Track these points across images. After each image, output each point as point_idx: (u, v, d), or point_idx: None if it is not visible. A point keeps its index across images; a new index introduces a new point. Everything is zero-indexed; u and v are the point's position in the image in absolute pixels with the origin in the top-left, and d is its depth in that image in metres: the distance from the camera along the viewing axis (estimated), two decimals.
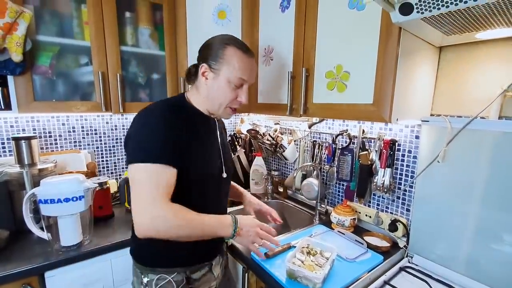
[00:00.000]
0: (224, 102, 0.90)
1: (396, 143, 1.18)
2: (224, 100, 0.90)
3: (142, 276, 0.90)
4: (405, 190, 1.19)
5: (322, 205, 1.51)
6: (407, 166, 1.17)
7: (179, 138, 0.82)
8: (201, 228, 0.81)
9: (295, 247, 1.09)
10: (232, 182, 1.19)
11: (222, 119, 1.13)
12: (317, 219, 1.44)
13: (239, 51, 0.87)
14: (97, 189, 1.19)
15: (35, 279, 1.01)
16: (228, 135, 1.57)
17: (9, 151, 1.40)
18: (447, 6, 0.63)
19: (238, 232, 0.85)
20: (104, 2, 1.27)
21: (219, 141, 1.00)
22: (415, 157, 1.14)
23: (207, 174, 0.92)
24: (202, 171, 0.90)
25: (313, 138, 1.60)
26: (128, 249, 0.96)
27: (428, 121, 1.03)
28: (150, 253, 0.91)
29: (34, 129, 1.46)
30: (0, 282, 0.94)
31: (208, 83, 0.89)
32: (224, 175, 0.98)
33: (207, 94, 0.90)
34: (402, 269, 1.04)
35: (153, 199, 0.75)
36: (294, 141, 1.71)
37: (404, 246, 1.15)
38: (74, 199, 1.05)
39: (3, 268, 0.96)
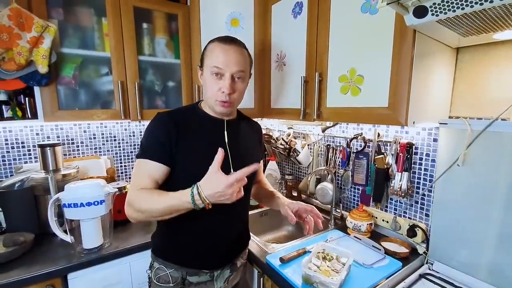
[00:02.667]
0: (212, 95, 0.90)
1: (413, 146, 1.16)
2: (211, 93, 0.90)
3: (152, 261, 1.00)
4: (423, 195, 1.16)
5: (337, 210, 1.49)
6: (425, 169, 1.15)
7: (171, 140, 0.87)
8: (161, 210, 0.80)
9: (310, 252, 1.08)
10: (268, 189, 1.17)
11: (258, 124, 1.16)
12: (332, 224, 1.42)
13: (216, 43, 0.90)
14: (117, 193, 1.23)
15: (58, 281, 1.05)
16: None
17: (35, 157, 1.48)
18: (463, 8, 0.63)
19: (207, 206, 0.76)
20: (123, 14, 1.33)
21: (228, 143, 0.96)
22: (433, 160, 1.11)
23: (203, 173, 0.87)
24: (196, 170, 0.86)
25: (327, 142, 1.59)
26: (145, 252, 0.99)
27: (446, 123, 1.01)
28: (156, 243, 1.01)
29: (58, 137, 1.53)
30: (26, 284, 0.98)
31: (202, 83, 0.95)
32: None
33: (204, 93, 0.96)
34: (422, 276, 1.01)
35: (130, 189, 0.87)
36: (308, 145, 1.71)
37: (424, 252, 1.11)
38: (96, 203, 1.09)
39: (28, 270, 1.01)
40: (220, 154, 0.75)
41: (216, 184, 0.73)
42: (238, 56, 0.89)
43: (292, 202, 1.05)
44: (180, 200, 0.78)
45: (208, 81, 0.90)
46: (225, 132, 0.96)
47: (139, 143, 1.76)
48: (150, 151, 0.88)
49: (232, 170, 0.94)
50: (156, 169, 0.87)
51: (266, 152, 1.98)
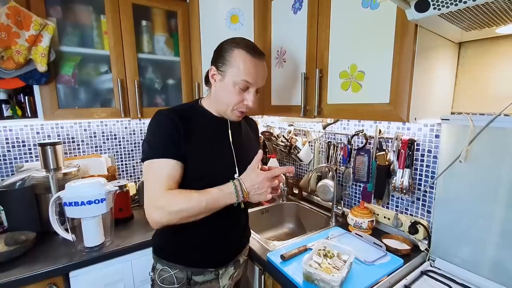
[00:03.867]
0: (230, 104, 0.90)
1: (415, 143, 1.15)
2: (230, 102, 0.89)
3: (154, 263, 0.98)
4: (425, 191, 1.16)
5: (338, 207, 1.49)
6: (427, 166, 1.14)
7: (180, 136, 0.85)
8: (204, 206, 0.81)
9: (311, 249, 1.08)
10: None
11: (255, 121, 1.17)
12: (333, 221, 1.42)
13: (245, 53, 0.86)
14: (118, 192, 1.23)
15: (60, 279, 1.06)
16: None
17: (36, 156, 1.48)
18: (465, 2, 0.61)
19: (245, 197, 0.82)
20: (122, 12, 1.32)
21: (232, 141, 0.97)
22: (435, 157, 1.10)
23: (210, 172, 0.90)
24: (204, 169, 0.89)
25: (328, 139, 1.59)
26: (147, 250, 0.99)
27: (448, 119, 1.00)
28: (158, 244, 0.99)
29: (59, 135, 1.53)
30: (28, 282, 0.98)
31: (216, 85, 0.91)
32: (236, 175, 0.94)
33: (215, 95, 0.92)
34: (423, 273, 1.01)
35: (153, 193, 0.82)
36: (309, 142, 1.70)
37: (426, 249, 1.11)
38: (97, 201, 1.09)
39: (30, 268, 1.01)
40: (260, 154, 0.85)
41: (256, 177, 0.82)
42: (265, 71, 0.91)
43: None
44: (222, 191, 0.82)
45: (229, 90, 0.88)
46: (229, 132, 0.97)
47: (140, 142, 1.77)
48: (163, 149, 0.83)
49: (236, 167, 0.94)
50: (173, 167, 0.83)
51: (266, 150, 1.98)
